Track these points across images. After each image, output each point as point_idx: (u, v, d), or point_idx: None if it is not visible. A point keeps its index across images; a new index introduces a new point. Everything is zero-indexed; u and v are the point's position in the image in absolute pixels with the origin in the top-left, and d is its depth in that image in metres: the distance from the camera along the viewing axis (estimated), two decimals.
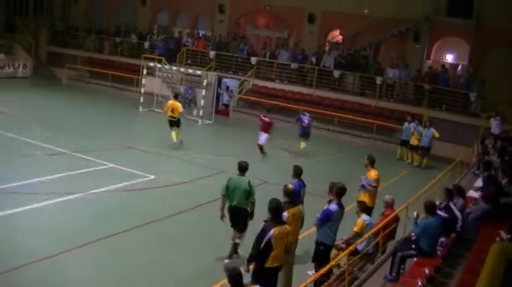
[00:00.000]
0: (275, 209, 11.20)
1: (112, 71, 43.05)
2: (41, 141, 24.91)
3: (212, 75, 37.98)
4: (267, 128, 26.77)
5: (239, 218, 14.78)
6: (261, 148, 26.93)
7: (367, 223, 13.86)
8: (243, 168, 14.97)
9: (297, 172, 15.11)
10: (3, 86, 40.32)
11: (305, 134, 28.48)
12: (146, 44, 44.59)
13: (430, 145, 29.12)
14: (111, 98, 40.81)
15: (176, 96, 28.30)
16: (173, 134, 27.20)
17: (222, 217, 14.71)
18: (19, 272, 12.98)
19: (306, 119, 28.28)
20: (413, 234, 12.61)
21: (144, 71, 37.58)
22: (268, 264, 11.04)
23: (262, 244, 10.96)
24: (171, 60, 41.22)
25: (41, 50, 49.40)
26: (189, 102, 37.86)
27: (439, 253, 12.38)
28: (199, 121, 34.81)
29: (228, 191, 14.70)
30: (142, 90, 37.28)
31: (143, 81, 37.62)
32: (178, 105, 27.42)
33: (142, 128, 33.67)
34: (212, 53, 41.54)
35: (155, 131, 31.48)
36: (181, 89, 37.47)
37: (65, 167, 21.60)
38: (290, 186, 13.02)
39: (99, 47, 47.75)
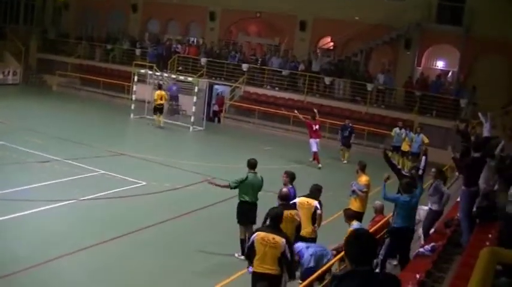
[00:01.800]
0: (271, 216, 11.15)
1: (103, 78, 43.10)
2: (32, 149, 24.85)
3: (203, 82, 38.08)
4: (315, 133, 27.88)
5: (252, 212, 15.14)
6: (316, 155, 27.93)
7: None
8: (254, 165, 15.35)
9: (291, 177, 15.16)
10: None
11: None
12: (137, 51, 44.66)
13: (419, 150, 29.01)
14: (102, 105, 40.72)
15: (160, 87, 34.99)
16: (161, 118, 33.70)
17: (218, 185, 15.79)
18: (10, 279, 12.93)
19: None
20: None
21: (135, 78, 37.54)
22: (254, 267, 11.03)
23: (248, 247, 11.08)
24: (163, 67, 41.39)
25: (31, 57, 49.29)
26: (173, 99, 38.81)
27: (429, 254, 12.43)
28: (191, 128, 34.77)
29: (243, 187, 15.14)
30: (134, 97, 37.32)
31: (134, 88, 37.66)
32: (164, 93, 33.90)
33: (134, 135, 33.77)
34: (203, 60, 41.57)
35: (146, 138, 31.75)
36: (165, 86, 37.92)
37: (56, 174, 21.60)
38: (284, 190, 13.35)
39: (90, 54, 47.69)
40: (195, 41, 46.52)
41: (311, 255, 12.69)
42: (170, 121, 36.07)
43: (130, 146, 28.71)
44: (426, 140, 29.15)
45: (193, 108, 35.61)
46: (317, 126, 28.15)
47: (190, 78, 37.41)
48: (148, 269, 14.43)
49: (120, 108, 38.09)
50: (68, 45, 49.13)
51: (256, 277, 11.06)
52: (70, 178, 21.42)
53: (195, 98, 35.79)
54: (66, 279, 13.41)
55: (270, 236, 10.79)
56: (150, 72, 38.55)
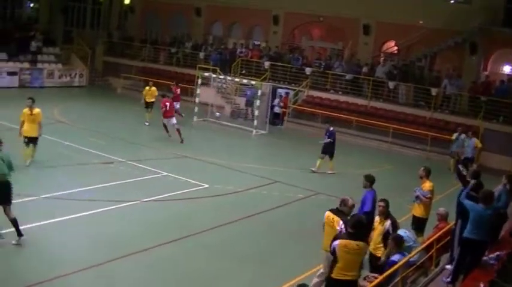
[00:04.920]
0: (352, 223, 11.02)
1: (166, 81, 42.52)
2: (96, 150, 25.23)
3: (266, 86, 38.04)
4: None
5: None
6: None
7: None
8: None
9: (371, 181, 15.20)
10: (60, 95, 41.26)
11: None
12: (201, 55, 44.88)
13: (473, 155, 28.61)
14: None
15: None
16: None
17: None
18: (71, 277, 13.14)
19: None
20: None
21: (199, 81, 37.69)
22: (334, 275, 10.88)
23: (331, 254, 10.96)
24: (226, 70, 41.39)
25: (97, 60, 50.27)
26: (248, 105, 38.82)
27: (493, 263, 12.11)
28: (254, 131, 34.74)
29: None
30: (197, 100, 37.35)
31: (198, 91, 37.79)
32: (154, 89, 34.04)
33: (197, 137, 33.53)
34: (267, 64, 41.50)
35: (209, 141, 31.66)
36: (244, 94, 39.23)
37: (120, 176, 21.86)
38: (350, 202, 12.60)
39: (155, 57, 48.23)
40: (258, 44, 46.53)
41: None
42: (233, 125, 36.22)
43: (193, 148, 28.62)
44: (479, 144, 28.88)
45: (256, 112, 35.68)
46: None
47: (253, 82, 37.25)
48: (207, 271, 14.45)
49: (184, 110, 37.64)
50: (132, 48, 49.83)
51: (338, 284, 10.95)
52: (133, 179, 21.66)
53: (258, 102, 35.88)
54: (126, 280, 13.53)
55: (354, 243, 10.72)
56: (214, 75, 38.67)
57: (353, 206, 12.60)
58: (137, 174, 22.46)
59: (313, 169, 25.74)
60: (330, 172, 25.89)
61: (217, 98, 39.16)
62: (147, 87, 34.25)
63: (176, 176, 22.61)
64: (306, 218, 18.80)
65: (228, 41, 47.62)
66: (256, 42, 46.97)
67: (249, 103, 38.97)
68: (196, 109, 36.85)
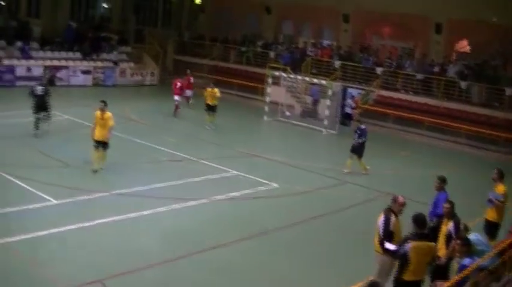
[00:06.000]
0: (418, 222, 11.02)
1: (237, 80, 43.77)
2: (167, 148, 25.66)
3: (337, 86, 37.80)
4: None
5: None
6: None
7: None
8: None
9: (444, 182, 15.14)
10: (132, 94, 42.28)
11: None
12: (271, 53, 44.93)
13: None
14: (236, 106, 40.78)
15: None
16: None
17: None
18: (139, 274, 13.42)
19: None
20: None
21: (269, 80, 37.69)
22: (406, 277, 11.01)
23: (400, 256, 11.03)
24: (296, 69, 41.18)
25: (168, 59, 51.11)
26: (315, 103, 38.68)
27: None
28: (324, 131, 34.61)
29: None
30: (267, 99, 37.38)
31: (268, 90, 37.80)
32: (216, 90, 32.06)
33: (266, 136, 33.81)
34: (337, 63, 41.34)
35: (279, 140, 31.92)
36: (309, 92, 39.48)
37: (189, 173, 22.13)
38: (401, 199, 12.50)
39: (225, 56, 48.48)
40: (329, 43, 46.38)
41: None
42: (304, 124, 36.04)
43: (263, 147, 28.72)
44: None
45: (327, 112, 35.36)
46: None
47: (324, 81, 36.95)
48: (277, 271, 14.50)
49: (254, 110, 38.54)
50: (203, 47, 50.18)
51: (408, 285, 11.11)
52: (203, 177, 21.83)
53: (328, 101, 35.60)
54: (192, 277, 13.66)
55: (425, 244, 10.78)
56: (284, 74, 38.48)
57: (404, 204, 12.45)
58: (207, 172, 22.63)
59: (346, 171, 24.84)
60: (364, 173, 25.01)
61: (287, 97, 39.00)
62: (209, 89, 32.30)
63: (246, 175, 22.68)
64: (375, 219, 18.48)
65: (298, 40, 47.67)
66: (326, 42, 46.81)
67: (316, 101, 38.93)
68: (266, 108, 36.90)
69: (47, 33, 44.20)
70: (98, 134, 20.76)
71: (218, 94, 32.31)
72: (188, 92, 36.87)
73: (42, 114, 25.16)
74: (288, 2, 47.11)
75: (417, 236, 10.95)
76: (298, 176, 23.96)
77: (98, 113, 20.67)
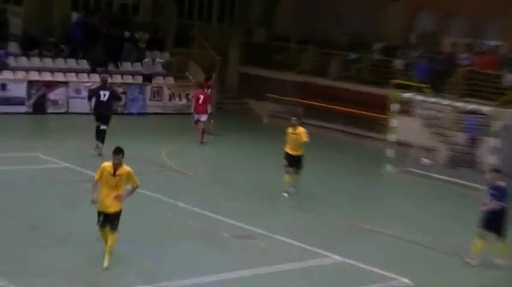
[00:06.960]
0: None
1: (341, 107, 34.66)
2: (228, 216, 20.55)
3: (511, 115, 29.09)
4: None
5: None
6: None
7: None
8: None
9: None
10: (170, 127, 33.78)
11: None
12: (398, 63, 35.30)
13: None
14: (340, 148, 32.96)
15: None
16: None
17: None
18: None
19: None
20: None
21: (395, 107, 29.20)
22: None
23: None
24: (439, 89, 31.95)
25: (230, 72, 40.85)
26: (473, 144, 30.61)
27: None
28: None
29: None
30: (392, 138, 29.18)
31: (393, 123, 29.48)
32: (302, 131, 23.33)
33: (391, 199, 26.66)
34: (510, 77, 31.85)
35: (408, 205, 24.83)
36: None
37: (265, 259, 16.90)
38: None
39: (321, 68, 38.45)
40: (492, 45, 35.84)
41: None
42: (453, 179, 27.80)
43: (384, 217, 22.36)
44: None
45: (490, 158, 26.98)
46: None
47: (487, 108, 28.27)
48: None
49: (369, 154, 31.04)
50: (285, 54, 40.20)
51: None
52: (284, 266, 16.37)
53: (493, 141, 27.43)
54: None
55: None
56: (420, 97, 29.85)
57: None
58: (294, 257, 17.32)
59: (467, 260, 18.57)
60: (498, 262, 18.42)
61: (425, 135, 30.87)
62: (290, 129, 22.94)
63: (354, 263, 17.10)
64: None
65: (443, 41, 36.99)
66: (490, 43, 36.31)
67: (473, 141, 30.37)
68: (390, 152, 29.15)
69: (34, 30, 35.11)
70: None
71: (305, 138, 22.87)
72: (209, 108, 31.00)
73: (102, 128, 24.19)
74: None
75: None
76: (443, 267, 18.25)
77: (107, 166, 14.75)
